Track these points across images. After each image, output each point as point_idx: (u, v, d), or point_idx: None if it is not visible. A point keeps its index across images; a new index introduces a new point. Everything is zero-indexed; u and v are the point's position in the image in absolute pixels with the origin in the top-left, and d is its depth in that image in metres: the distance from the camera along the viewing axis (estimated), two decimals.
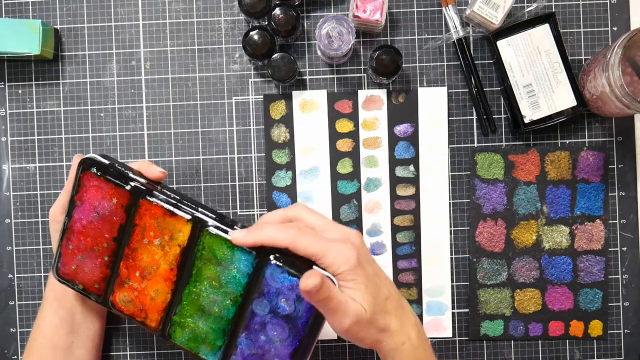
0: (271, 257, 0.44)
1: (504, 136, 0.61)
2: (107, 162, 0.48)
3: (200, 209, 0.46)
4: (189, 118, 0.61)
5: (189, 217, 0.46)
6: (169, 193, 0.47)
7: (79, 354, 0.54)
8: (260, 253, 0.44)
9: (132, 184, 0.47)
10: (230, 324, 0.47)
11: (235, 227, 0.45)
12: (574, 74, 0.58)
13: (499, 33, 0.58)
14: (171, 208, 0.46)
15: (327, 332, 0.60)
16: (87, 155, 0.48)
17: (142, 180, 0.48)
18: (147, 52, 0.61)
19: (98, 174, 0.47)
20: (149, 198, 0.47)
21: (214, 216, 0.46)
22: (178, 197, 0.47)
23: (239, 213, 0.61)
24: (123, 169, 0.48)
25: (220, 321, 0.47)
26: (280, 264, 0.44)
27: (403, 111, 0.60)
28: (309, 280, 0.41)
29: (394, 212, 0.61)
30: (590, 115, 0.61)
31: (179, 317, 0.47)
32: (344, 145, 0.61)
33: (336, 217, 0.60)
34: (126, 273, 0.48)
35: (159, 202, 0.46)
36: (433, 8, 0.61)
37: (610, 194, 0.60)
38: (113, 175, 0.47)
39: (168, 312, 0.48)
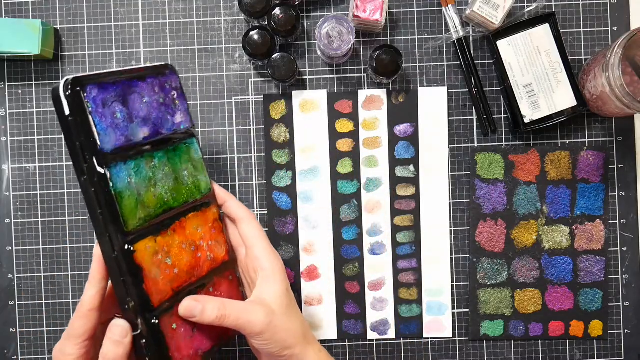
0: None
1: (504, 136, 0.61)
2: None
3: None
4: None
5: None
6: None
7: None
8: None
9: None
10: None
11: None
12: (574, 74, 0.58)
13: (499, 33, 0.58)
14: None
15: (327, 331, 0.60)
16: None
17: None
18: (147, 52, 0.61)
19: None
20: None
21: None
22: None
23: None
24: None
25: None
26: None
27: (403, 111, 0.60)
28: (184, 302, 0.44)
29: (394, 212, 0.61)
30: (590, 115, 0.61)
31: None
32: (344, 145, 0.61)
33: (336, 217, 0.60)
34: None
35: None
36: (433, 8, 0.61)
37: (610, 194, 0.60)
38: None
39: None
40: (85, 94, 0.40)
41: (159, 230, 0.44)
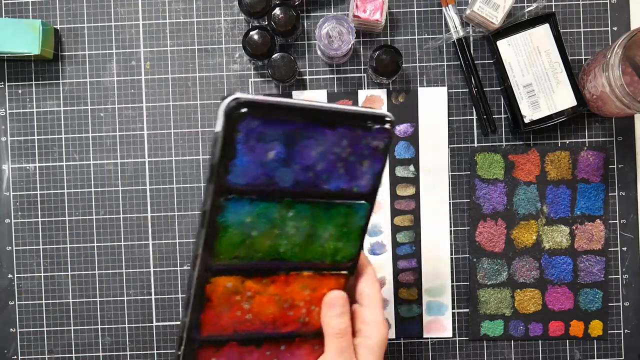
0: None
1: (504, 136, 0.61)
2: None
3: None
4: (189, 118, 0.61)
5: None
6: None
7: None
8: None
9: None
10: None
11: None
12: (574, 74, 0.59)
13: (499, 33, 0.58)
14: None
15: None
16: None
17: None
18: (147, 52, 0.61)
19: None
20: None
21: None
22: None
23: None
24: None
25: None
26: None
27: (403, 111, 0.60)
28: (333, 293, 0.39)
29: (394, 212, 0.61)
30: (590, 115, 0.61)
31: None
32: None
33: None
34: None
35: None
36: (433, 8, 0.61)
37: (610, 194, 0.60)
38: None
39: None
40: (242, 123, 0.33)
41: (254, 275, 0.37)
